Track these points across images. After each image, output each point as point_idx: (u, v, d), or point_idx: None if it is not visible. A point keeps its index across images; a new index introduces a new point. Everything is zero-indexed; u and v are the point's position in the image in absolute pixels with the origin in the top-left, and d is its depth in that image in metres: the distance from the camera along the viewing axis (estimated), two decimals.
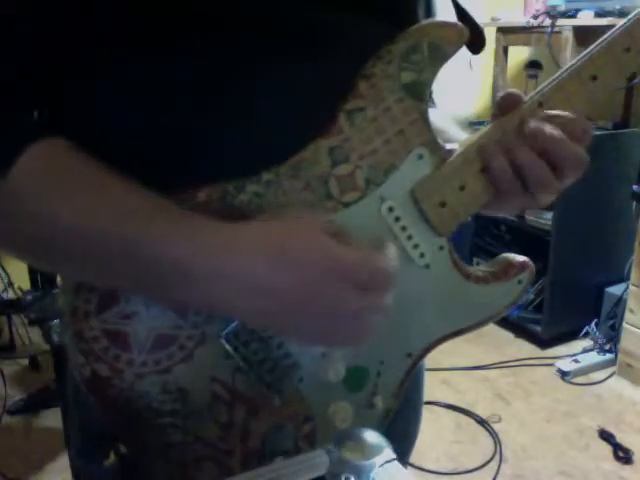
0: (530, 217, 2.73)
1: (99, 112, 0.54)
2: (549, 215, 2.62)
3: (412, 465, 2.04)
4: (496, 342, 2.81)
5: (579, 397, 2.42)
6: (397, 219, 0.56)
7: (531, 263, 0.63)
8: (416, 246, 0.57)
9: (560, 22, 2.47)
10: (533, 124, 0.55)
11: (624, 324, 2.47)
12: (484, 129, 0.58)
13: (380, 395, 0.60)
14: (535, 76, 2.83)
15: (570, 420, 2.28)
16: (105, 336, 0.53)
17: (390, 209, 0.56)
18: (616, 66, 0.57)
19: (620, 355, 2.51)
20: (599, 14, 2.43)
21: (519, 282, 0.62)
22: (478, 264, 3.01)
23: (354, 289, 0.48)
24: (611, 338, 2.61)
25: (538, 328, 2.73)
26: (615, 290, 2.61)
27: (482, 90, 3.16)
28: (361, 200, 0.55)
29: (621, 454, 2.08)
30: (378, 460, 0.62)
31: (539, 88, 0.58)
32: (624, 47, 0.57)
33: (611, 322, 2.62)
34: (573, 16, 2.49)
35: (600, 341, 2.64)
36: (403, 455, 0.81)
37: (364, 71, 0.55)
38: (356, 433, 0.64)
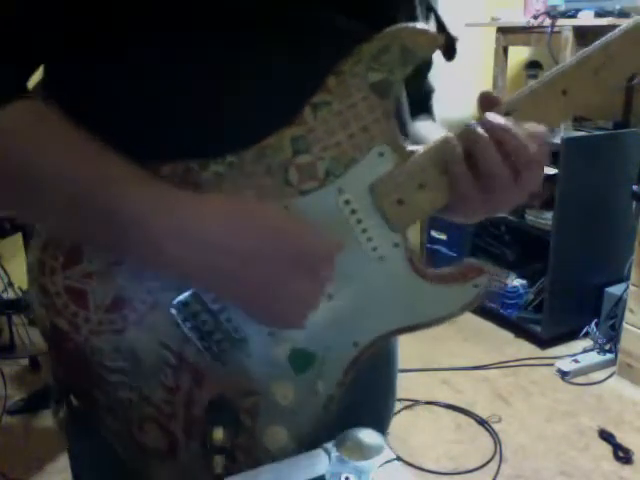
0: (530, 217, 2.73)
1: (76, 79, 0.57)
2: (549, 215, 2.62)
3: (412, 465, 2.04)
4: (496, 342, 2.81)
5: (579, 397, 2.42)
6: (353, 211, 0.58)
7: (489, 269, 0.64)
8: (370, 239, 0.59)
9: (560, 22, 2.47)
10: (494, 124, 0.57)
11: (624, 324, 2.47)
12: (448, 132, 0.59)
13: (323, 380, 0.62)
14: (535, 76, 2.83)
15: (570, 420, 2.28)
16: (66, 292, 0.58)
17: (347, 201, 0.58)
18: (589, 82, 0.58)
19: (620, 355, 2.51)
20: (599, 14, 2.43)
21: (475, 286, 0.62)
22: None
23: (302, 270, 0.52)
24: (611, 338, 2.61)
25: (538, 328, 2.73)
26: (615, 290, 2.61)
27: (482, 90, 3.16)
28: (319, 190, 0.57)
29: (621, 454, 2.08)
30: (378, 460, 0.62)
31: (508, 99, 0.59)
32: (599, 64, 0.58)
33: (611, 322, 2.62)
34: (573, 16, 2.48)
35: (600, 341, 2.64)
36: (381, 427, 0.84)
37: (335, 67, 0.57)
38: (356, 433, 0.64)
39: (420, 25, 0.58)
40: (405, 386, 2.49)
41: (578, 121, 2.66)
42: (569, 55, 2.45)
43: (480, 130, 0.56)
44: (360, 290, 0.60)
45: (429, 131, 0.71)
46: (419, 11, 0.71)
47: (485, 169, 0.56)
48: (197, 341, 0.59)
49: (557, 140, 2.52)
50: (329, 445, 0.66)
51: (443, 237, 3.15)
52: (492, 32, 2.84)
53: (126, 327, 0.58)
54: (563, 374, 2.53)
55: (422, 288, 0.62)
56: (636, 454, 2.08)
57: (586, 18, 2.45)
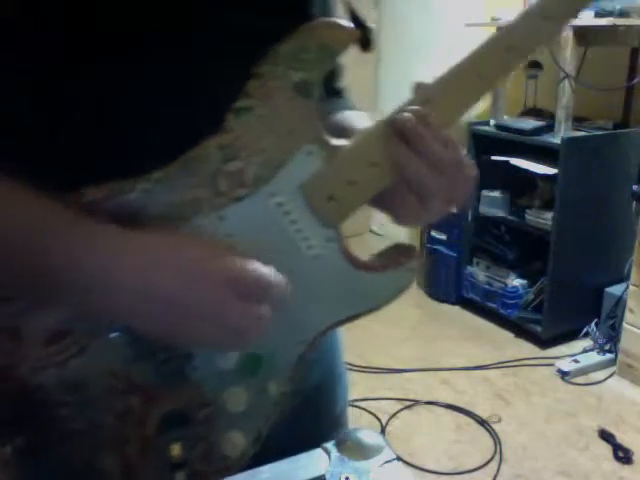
0: (530, 217, 2.73)
1: None
2: (549, 215, 2.62)
3: (412, 465, 2.04)
4: (496, 342, 2.81)
5: (579, 397, 2.42)
6: (286, 213, 0.58)
7: (415, 248, 0.65)
8: (305, 238, 0.59)
9: None
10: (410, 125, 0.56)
11: (624, 324, 2.47)
12: (371, 125, 0.60)
13: (274, 380, 0.62)
14: (535, 76, 2.83)
15: (570, 420, 2.28)
16: (0, 331, 0.56)
17: (279, 204, 0.58)
18: (499, 64, 0.58)
19: (620, 355, 2.51)
20: (599, 14, 2.43)
21: (408, 269, 0.64)
22: (478, 264, 3.01)
23: (238, 299, 0.51)
24: (611, 338, 2.61)
25: (538, 328, 2.73)
26: (615, 290, 2.61)
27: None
28: (251, 196, 0.57)
29: (621, 454, 2.08)
30: (378, 460, 0.62)
31: (425, 84, 0.59)
32: (506, 45, 0.58)
33: (611, 322, 2.62)
34: None
35: (600, 341, 2.64)
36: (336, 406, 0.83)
37: (254, 71, 0.56)
38: (356, 434, 0.65)
39: (334, 19, 0.57)
40: (405, 386, 2.49)
41: (578, 121, 2.66)
42: (569, 55, 2.45)
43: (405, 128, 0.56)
44: (301, 289, 0.59)
45: (350, 120, 0.70)
46: (332, 4, 0.72)
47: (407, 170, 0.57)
48: (142, 364, 0.58)
49: (557, 140, 2.52)
50: (329, 445, 0.66)
51: (443, 237, 3.15)
52: (492, 32, 2.83)
53: (69, 359, 0.57)
54: (563, 374, 2.53)
55: (359, 279, 0.62)
56: (636, 454, 2.08)
57: (586, 18, 2.44)
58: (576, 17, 0.59)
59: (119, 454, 0.60)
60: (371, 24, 0.68)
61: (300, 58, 0.56)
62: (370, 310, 0.64)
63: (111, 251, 0.50)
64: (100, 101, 0.55)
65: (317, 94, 0.57)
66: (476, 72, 0.58)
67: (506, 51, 0.57)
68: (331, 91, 0.77)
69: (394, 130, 0.57)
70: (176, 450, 0.59)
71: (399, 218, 0.62)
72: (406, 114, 0.56)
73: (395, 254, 0.63)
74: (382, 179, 0.58)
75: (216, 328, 0.52)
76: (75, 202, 0.53)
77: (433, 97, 0.58)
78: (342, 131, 0.66)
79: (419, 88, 0.58)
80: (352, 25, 0.57)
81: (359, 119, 0.69)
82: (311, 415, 0.76)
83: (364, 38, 0.65)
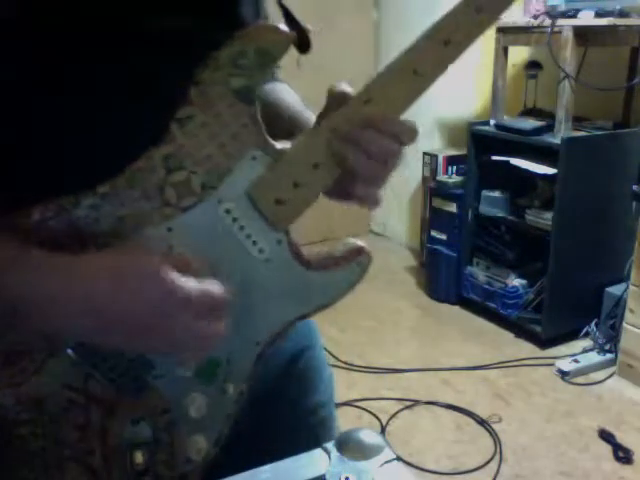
0: (530, 217, 2.73)
1: None
2: (549, 215, 2.62)
3: (412, 465, 2.04)
4: (496, 342, 2.81)
5: (579, 397, 2.42)
6: (235, 219, 0.59)
7: (366, 248, 0.65)
8: (255, 243, 0.60)
9: (560, 22, 2.47)
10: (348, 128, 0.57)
11: (624, 324, 2.47)
12: (312, 127, 0.61)
13: (232, 381, 0.63)
14: (535, 76, 2.83)
15: (570, 420, 2.28)
16: None
17: (227, 211, 0.58)
18: (436, 59, 0.58)
19: (620, 355, 2.51)
20: (599, 14, 2.43)
21: (358, 264, 0.65)
22: (478, 264, 3.01)
23: (191, 317, 0.51)
24: (611, 338, 2.61)
25: (538, 328, 2.73)
26: (615, 290, 2.61)
27: (482, 90, 3.16)
28: (198, 204, 0.57)
29: (621, 454, 2.08)
30: (378, 460, 0.62)
31: (366, 84, 0.59)
32: (444, 39, 0.58)
33: (611, 322, 2.61)
34: (573, 16, 2.48)
35: (600, 341, 2.64)
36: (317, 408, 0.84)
37: (194, 78, 0.56)
38: (356, 434, 0.65)
39: (271, 24, 0.57)
40: (405, 386, 2.49)
41: (578, 121, 2.66)
42: (569, 55, 2.45)
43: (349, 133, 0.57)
44: (254, 293, 0.61)
45: (280, 99, 0.72)
46: (264, 7, 0.71)
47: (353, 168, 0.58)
48: (100, 376, 0.58)
49: (557, 140, 2.51)
50: (329, 445, 0.66)
51: (443, 237, 3.15)
52: (492, 32, 2.84)
53: (26, 379, 0.56)
54: (563, 374, 2.53)
55: (310, 278, 0.63)
56: (636, 454, 2.08)
57: (586, 18, 2.44)
58: (507, 9, 0.59)
59: (83, 466, 0.60)
60: (306, 25, 0.68)
61: (239, 64, 0.56)
62: (324, 306, 0.66)
63: (58, 280, 0.50)
64: (38, 116, 0.54)
65: (258, 99, 0.57)
66: (411, 68, 0.58)
67: (443, 45, 0.57)
68: None
69: (337, 135, 0.58)
70: (139, 458, 0.59)
71: (350, 200, 0.63)
72: (345, 122, 0.57)
73: (344, 252, 0.65)
74: (326, 178, 0.60)
75: (167, 346, 0.53)
76: (23, 222, 0.52)
77: (373, 96, 0.58)
78: (277, 115, 0.67)
79: (340, 94, 0.59)
80: (287, 28, 0.57)
81: (287, 95, 0.70)
82: (276, 404, 0.77)
83: (302, 40, 0.65)
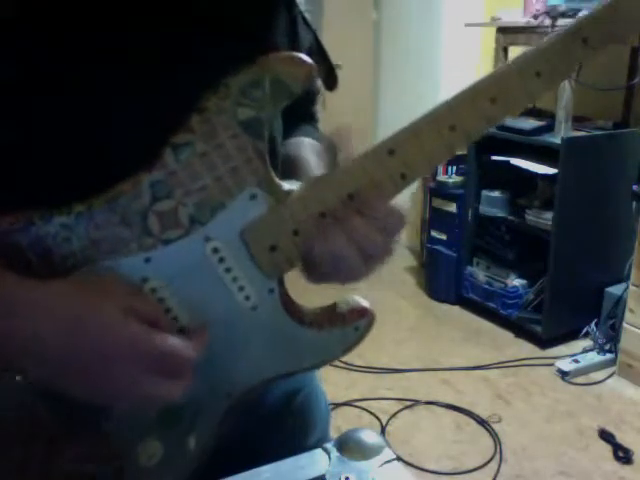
0: (530, 217, 2.73)
1: None
2: (549, 215, 2.62)
3: (412, 465, 2.04)
4: (496, 342, 2.81)
5: (579, 397, 2.42)
6: (222, 260, 0.54)
7: (371, 311, 0.59)
8: (242, 288, 0.55)
9: (560, 22, 2.47)
10: (342, 216, 0.53)
11: (624, 324, 2.47)
12: (325, 173, 0.56)
13: (195, 434, 0.58)
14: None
15: (570, 420, 2.28)
16: None
17: (215, 250, 0.53)
18: (478, 116, 0.54)
19: (620, 355, 2.51)
20: None
21: (356, 329, 0.59)
22: (478, 264, 3.01)
23: (147, 373, 0.47)
24: (611, 338, 2.61)
25: (538, 328, 2.73)
26: (615, 290, 2.61)
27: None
28: (183, 238, 0.52)
29: (621, 454, 2.08)
30: (378, 460, 0.62)
31: (392, 134, 0.54)
32: (489, 97, 0.53)
33: (611, 322, 2.61)
34: (573, 16, 2.48)
35: (600, 341, 2.64)
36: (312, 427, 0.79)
37: (198, 104, 0.51)
38: (356, 434, 0.65)
39: (294, 54, 0.52)
40: (405, 386, 2.49)
41: (578, 121, 2.66)
42: None
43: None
44: (232, 340, 0.56)
45: (298, 156, 0.66)
46: (300, 32, 0.65)
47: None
48: (47, 409, 0.53)
49: (557, 140, 2.51)
50: (329, 445, 0.66)
51: (443, 237, 3.15)
52: (492, 32, 2.84)
53: None
54: (563, 374, 2.53)
55: (299, 335, 0.57)
56: (636, 454, 2.08)
57: None
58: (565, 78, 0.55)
59: None
60: (337, 62, 0.64)
61: (251, 94, 0.51)
62: (310, 368, 0.61)
63: (2, 312, 0.46)
64: (22, 123, 0.51)
65: (268, 133, 0.53)
66: (447, 124, 0.53)
67: (490, 103, 0.53)
68: (301, 115, 0.74)
69: (357, 204, 0.53)
70: None
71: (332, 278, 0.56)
72: (364, 198, 0.53)
73: (344, 311, 0.59)
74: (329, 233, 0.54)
75: (112, 398, 0.49)
76: None
77: (397, 147, 0.54)
78: (290, 165, 0.63)
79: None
80: (311, 61, 0.52)
81: (310, 152, 0.65)
82: (272, 441, 0.72)
83: (328, 75, 0.61)
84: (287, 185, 0.54)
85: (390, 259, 0.56)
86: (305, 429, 0.77)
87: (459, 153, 3.18)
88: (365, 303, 0.60)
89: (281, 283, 0.56)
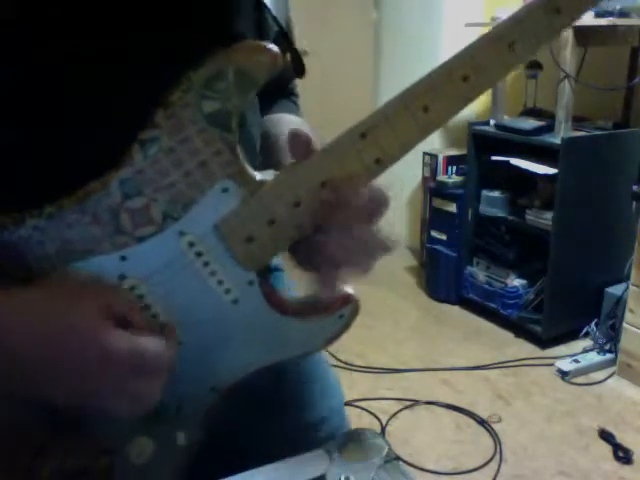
0: (530, 217, 2.73)
1: None
2: (549, 215, 2.62)
3: (412, 465, 2.04)
4: (496, 342, 2.81)
5: (579, 397, 2.42)
6: (199, 254, 0.53)
7: (355, 297, 0.58)
8: (220, 282, 0.54)
9: None
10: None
11: (624, 324, 2.47)
12: (300, 160, 0.54)
13: (182, 429, 0.58)
14: (535, 76, 2.83)
15: (570, 420, 2.28)
16: None
17: (190, 244, 0.53)
18: (451, 96, 0.52)
19: (620, 355, 2.51)
20: (599, 14, 2.43)
21: (340, 317, 0.58)
22: (478, 264, 3.01)
23: (124, 375, 0.47)
24: (611, 338, 2.61)
25: (538, 328, 2.73)
26: (615, 290, 2.61)
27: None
28: (157, 235, 0.52)
29: (621, 454, 2.08)
30: (378, 460, 0.62)
31: (365, 118, 0.53)
32: (461, 75, 0.52)
33: (611, 322, 2.61)
34: None
35: (600, 341, 2.64)
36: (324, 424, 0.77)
37: (163, 99, 0.51)
38: (356, 434, 0.65)
39: (256, 43, 0.51)
40: (405, 386, 2.49)
41: (578, 121, 2.66)
42: (569, 55, 2.45)
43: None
44: (213, 334, 0.55)
45: (276, 133, 0.65)
46: (267, 18, 0.64)
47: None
48: (31, 408, 0.52)
49: (557, 140, 2.52)
50: (329, 445, 0.66)
51: (443, 237, 3.15)
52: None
53: None
54: (563, 374, 2.53)
55: (283, 325, 0.57)
56: (636, 454, 2.08)
57: (586, 18, 2.44)
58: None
59: None
60: (302, 47, 0.62)
61: (215, 86, 0.50)
62: (298, 357, 0.60)
63: None
64: (22, 123, 0.51)
65: (235, 125, 0.52)
66: (421, 105, 0.52)
67: (460, 82, 0.52)
68: (279, 91, 0.73)
69: (329, 193, 0.52)
70: None
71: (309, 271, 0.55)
72: (342, 184, 0.51)
73: (327, 299, 0.58)
74: (306, 219, 0.53)
75: (92, 401, 0.49)
76: None
77: (369, 131, 0.52)
78: (269, 143, 0.62)
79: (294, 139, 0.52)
80: (275, 48, 0.51)
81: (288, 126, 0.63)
82: (272, 420, 0.72)
83: (296, 62, 0.60)
84: (260, 175, 0.54)
85: (380, 247, 0.54)
86: (300, 402, 0.76)
87: (459, 153, 3.18)
88: (349, 289, 0.58)
89: (262, 274, 0.55)
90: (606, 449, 2.12)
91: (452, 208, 3.07)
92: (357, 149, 0.52)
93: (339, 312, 0.58)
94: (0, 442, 0.53)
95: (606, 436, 2.16)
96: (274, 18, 0.64)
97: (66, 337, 0.46)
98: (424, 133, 0.53)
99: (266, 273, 0.56)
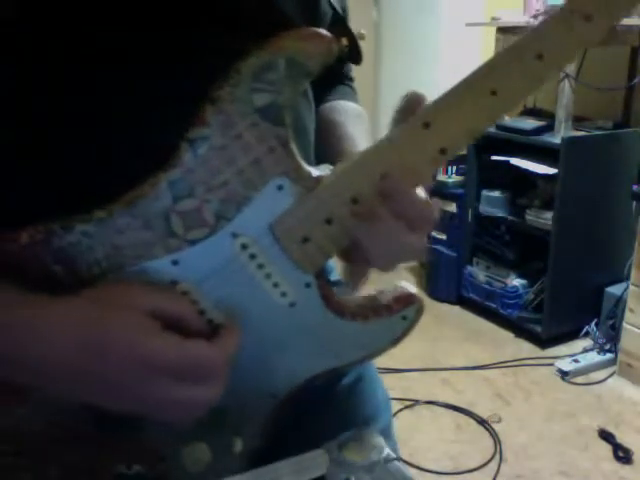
0: (530, 217, 2.73)
1: None
2: (549, 215, 2.62)
3: (412, 465, 2.04)
4: (496, 342, 2.81)
5: (579, 397, 2.42)
6: (253, 256, 0.51)
7: (418, 298, 0.56)
8: (276, 285, 0.52)
9: None
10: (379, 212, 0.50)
11: (624, 324, 2.47)
12: (359, 153, 0.52)
13: (242, 436, 0.56)
14: None
15: (570, 420, 2.28)
16: None
17: (244, 246, 0.50)
18: (521, 76, 0.50)
19: (620, 355, 2.51)
20: None
21: (403, 318, 0.55)
22: (478, 264, 3.01)
23: (176, 382, 0.46)
24: (611, 338, 2.61)
25: (538, 328, 2.73)
26: (615, 290, 2.61)
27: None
28: (210, 237, 0.50)
29: (621, 454, 2.08)
30: (378, 460, 0.62)
31: (426, 106, 0.51)
32: (535, 53, 0.49)
33: (611, 322, 2.61)
34: None
35: (600, 341, 2.64)
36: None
37: (210, 94, 0.48)
38: (357, 434, 0.64)
39: (307, 30, 0.48)
40: (405, 386, 2.49)
41: (578, 121, 2.66)
42: None
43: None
44: (271, 339, 0.53)
45: (335, 124, 0.62)
46: (322, 8, 0.60)
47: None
48: (90, 416, 0.52)
49: (557, 140, 2.51)
50: (329, 445, 0.66)
51: (443, 237, 3.15)
52: (492, 32, 2.83)
53: (11, 410, 0.51)
54: (563, 374, 2.53)
55: (342, 328, 0.54)
56: (636, 454, 2.08)
57: None
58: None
59: None
60: (358, 31, 0.59)
61: (266, 77, 0.48)
62: (356, 362, 0.58)
63: (12, 337, 0.45)
64: (22, 124, 0.50)
65: (288, 118, 0.49)
66: (488, 88, 0.49)
67: (536, 59, 0.49)
68: (334, 76, 0.70)
69: (383, 189, 0.50)
70: None
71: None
72: (396, 183, 0.49)
73: (389, 300, 0.56)
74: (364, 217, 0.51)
75: (144, 410, 0.48)
76: (7, 243, 0.48)
77: (434, 119, 0.50)
78: (325, 132, 0.59)
79: (415, 103, 0.50)
80: (328, 34, 0.48)
81: (346, 117, 0.61)
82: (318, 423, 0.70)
83: (352, 49, 0.57)
84: (316, 171, 0.51)
85: (422, 253, 0.53)
86: (353, 414, 0.74)
87: (459, 153, 3.18)
88: (412, 289, 0.56)
89: (319, 276, 0.53)
90: (606, 449, 2.12)
91: (452, 208, 3.07)
92: (420, 139, 0.50)
93: (402, 313, 0.55)
94: (65, 444, 0.52)
95: (606, 436, 2.16)
96: (328, 1, 0.60)
97: (106, 344, 0.45)
98: (492, 118, 0.51)
99: (323, 274, 0.53)
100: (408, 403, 2.37)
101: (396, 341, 0.56)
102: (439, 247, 3.16)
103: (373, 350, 0.57)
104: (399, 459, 0.63)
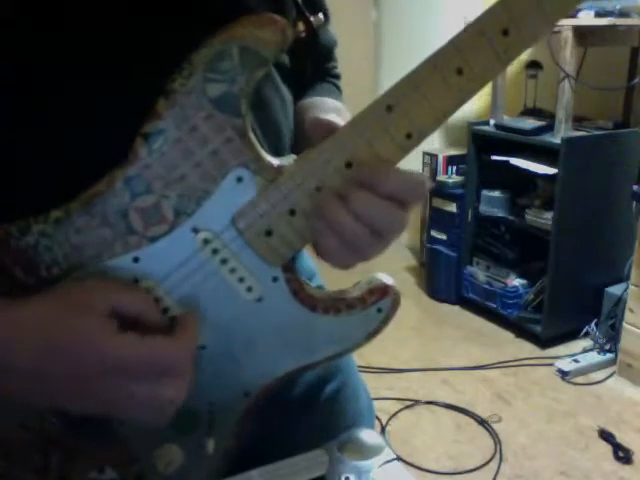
0: (530, 217, 2.73)
1: None
2: (549, 215, 2.62)
3: (412, 465, 2.04)
4: (496, 342, 2.81)
5: (579, 397, 2.42)
6: (215, 251, 0.49)
7: (395, 289, 0.54)
8: (242, 280, 0.50)
9: (560, 22, 2.47)
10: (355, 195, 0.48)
11: (624, 324, 2.47)
12: (320, 143, 0.50)
13: (214, 437, 0.55)
14: (535, 76, 2.83)
15: (570, 420, 2.28)
16: None
17: (206, 241, 0.49)
18: (489, 52, 0.47)
19: (620, 355, 2.51)
20: (599, 14, 2.43)
21: (378, 310, 0.53)
22: (478, 264, 3.01)
23: (139, 381, 0.45)
24: (611, 338, 2.61)
25: (538, 328, 2.73)
26: (615, 290, 2.61)
27: (482, 90, 3.16)
28: (170, 233, 0.49)
29: (621, 454, 2.08)
30: (378, 460, 0.62)
31: (389, 88, 0.48)
32: (501, 28, 0.46)
33: (611, 322, 2.61)
34: (573, 16, 2.48)
35: (600, 341, 2.64)
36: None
37: (164, 87, 0.47)
38: (356, 434, 0.64)
39: (260, 16, 0.46)
40: (405, 386, 2.49)
41: (578, 121, 2.66)
42: (569, 55, 2.44)
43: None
44: (240, 336, 0.52)
45: (306, 118, 0.60)
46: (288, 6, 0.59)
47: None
48: (58, 420, 0.51)
49: (557, 140, 2.51)
50: (329, 445, 0.66)
51: (443, 237, 3.15)
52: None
53: None
54: (563, 374, 2.53)
55: (314, 323, 0.52)
56: (636, 454, 2.08)
57: (586, 18, 2.44)
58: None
59: None
60: (316, 15, 0.56)
61: (219, 67, 0.46)
62: (331, 357, 0.56)
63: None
64: (22, 124, 0.49)
65: (245, 108, 0.48)
66: (454, 67, 0.47)
67: (502, 35, 0.46)
68: (316, 74, 0.69)
69: (353, 172, 0.48)
70: None
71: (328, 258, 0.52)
72: (366, 171, 0.47)
73: (366, 291, 0.54)
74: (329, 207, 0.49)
75: (110, 410, 0.47)
76: None
77: (396, 103, 0.48)
78: (300, 130, 0.58)
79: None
80: (283, 20, 0.46)
81: (322, 112, 0.59)
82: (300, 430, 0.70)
83: (308, 33, 0.56)
84: (277, 161, 0.50)
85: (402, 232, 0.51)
86: (336, 421, 0.73)
87: (459, 153, 3.18)
88: (388, 280, 0.54)
89: (287, 269, 0.51)
90: (606, 449, 2.12)
91: (452, 208, 3.07)
92: (384, 124, 0.48)
93: (376, 305, 0.53)
94: (34, 447, 0.52)
95: (606, 436, 2.16)
96: None
97: (65, 345, 0.44)
98: (460, 100, 0.48)
99: (292, 267, 0.52)
100: (408, 403, 2.37)
101: (372, 335, 0.54)
102: (439, 247, 3.16)
103: (348, 345, 0.55)
104: (399, 459, 0.63)
